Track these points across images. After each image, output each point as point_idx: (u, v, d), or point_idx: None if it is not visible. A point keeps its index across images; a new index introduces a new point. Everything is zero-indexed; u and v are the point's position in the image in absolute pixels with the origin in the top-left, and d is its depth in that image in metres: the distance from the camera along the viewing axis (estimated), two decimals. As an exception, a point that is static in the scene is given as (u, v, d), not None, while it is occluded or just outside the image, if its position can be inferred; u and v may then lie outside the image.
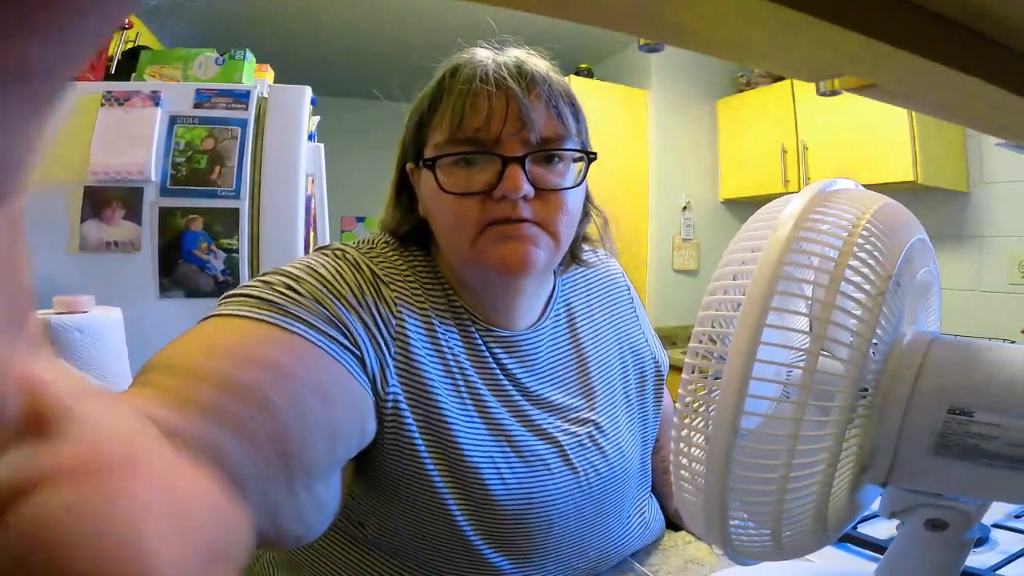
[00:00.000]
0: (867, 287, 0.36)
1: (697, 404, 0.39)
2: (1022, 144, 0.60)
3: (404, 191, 0.60)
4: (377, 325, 0.49)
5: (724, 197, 2.94)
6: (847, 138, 2.23)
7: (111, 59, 1.55)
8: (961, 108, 0.38)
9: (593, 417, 0.63)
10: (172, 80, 1.50)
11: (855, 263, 0.35)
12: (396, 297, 0.52)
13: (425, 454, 0.51)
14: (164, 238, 1.31)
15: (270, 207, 1.39)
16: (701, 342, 0.38)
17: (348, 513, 0.55)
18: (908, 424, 0.37)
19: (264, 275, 0.48)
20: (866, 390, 0.37)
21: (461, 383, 0.54)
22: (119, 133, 1.31)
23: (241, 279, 1.34)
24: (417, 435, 0.51)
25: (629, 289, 0.76)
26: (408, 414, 0.50)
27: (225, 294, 0.47)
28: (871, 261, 0.36)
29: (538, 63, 0.55)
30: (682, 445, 0.39)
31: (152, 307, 1.31)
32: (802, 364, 0.35)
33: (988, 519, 0.72)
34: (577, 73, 2.85)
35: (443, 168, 0.52)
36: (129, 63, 1.55)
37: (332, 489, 0.43)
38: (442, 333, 0.54)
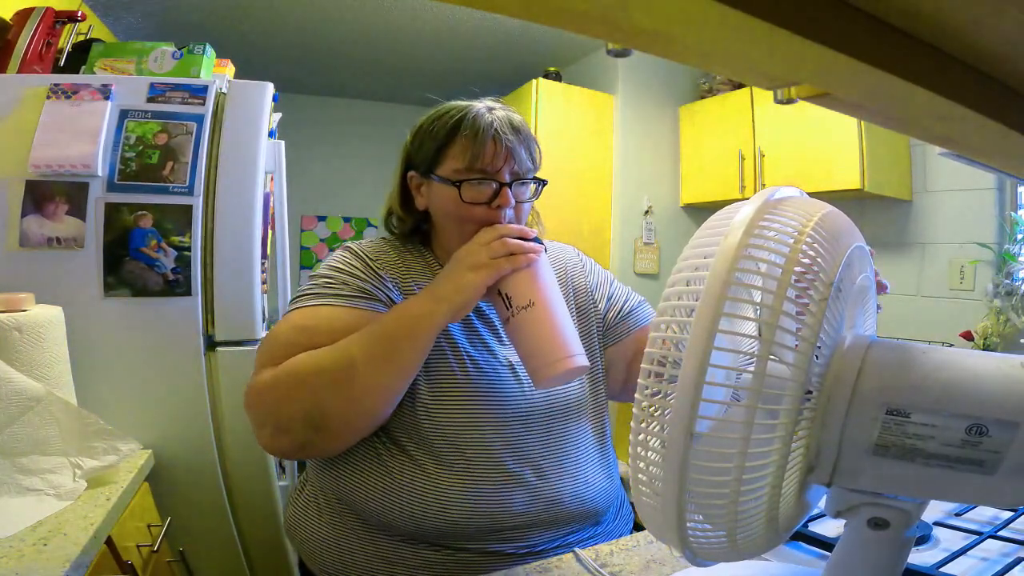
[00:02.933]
0: (811, 292, 0.37)
1: (653, 408, 0.39)
2: (964, 154, 0.62)
3: (406, 194, 0.86)
4: (375, 287, 0.80)
5: (685, 202, 2.99)
6: (801, 146, 2.30)
7: (60, 52, 1.47)
8: (909, 118, 0.40)
9: None
10: (125, 73, 1.44)
11: (800, 269, 0.36)
12: (384, 272, 0.82)
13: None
14: (110, 235, 1.25)
15: (226, 204, 1.34)
16: (656, 347, 0.39)
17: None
18: (849, 425, 0.38)
19: (323, 275, 0.81)
20: (810, 392, 0.38)
21: None
22: (65, 126, 1.25)
23: (193, 277, 1.30)
24: None
25: (580, 257, 1.00)
26: None
27: (300, 291, 0.80)
28: (815, 268, 0.37)
29: (516, 118, 0.82)
30: (639, 449, 0.39)
31: (96, 306, 1.25)
32: (751, 368, 0.36)
33: (930, 517, 0.75)
34: (545, 76, 2.85)
35: (466, 186, 0.78)
36: (80, 56, 1.48)
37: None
38: (417, 289, 0.83)
